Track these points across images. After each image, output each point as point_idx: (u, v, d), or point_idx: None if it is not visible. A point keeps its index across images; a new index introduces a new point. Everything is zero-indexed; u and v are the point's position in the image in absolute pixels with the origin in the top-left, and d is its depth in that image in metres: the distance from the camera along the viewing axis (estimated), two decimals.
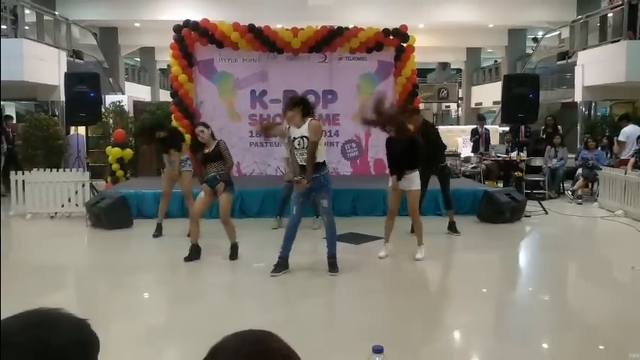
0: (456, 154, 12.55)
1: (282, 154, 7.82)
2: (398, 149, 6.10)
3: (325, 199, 5.57)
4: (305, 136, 5.39)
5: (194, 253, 6.19)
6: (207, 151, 6.11)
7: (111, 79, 18.51)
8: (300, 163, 5.51)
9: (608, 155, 11.44)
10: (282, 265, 5.63)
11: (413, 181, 6.18)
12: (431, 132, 7.42)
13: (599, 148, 11.38)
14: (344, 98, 10.20)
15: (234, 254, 6.25)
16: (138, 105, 14.19)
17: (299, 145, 5.43)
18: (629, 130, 10.81)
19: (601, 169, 10.16)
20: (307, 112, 5.47)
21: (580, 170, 10.95)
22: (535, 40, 20.92)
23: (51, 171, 9.08)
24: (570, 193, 10.83)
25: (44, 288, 5.28)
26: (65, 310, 1.03)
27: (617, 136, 11.05)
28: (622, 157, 10.61)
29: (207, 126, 6.23)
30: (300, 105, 5.47)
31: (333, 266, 5.69)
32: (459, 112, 27.27)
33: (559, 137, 11.72)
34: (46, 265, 6.29)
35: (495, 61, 26.59)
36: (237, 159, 10.06)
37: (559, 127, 12.43)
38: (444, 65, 31.17)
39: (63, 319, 1.01)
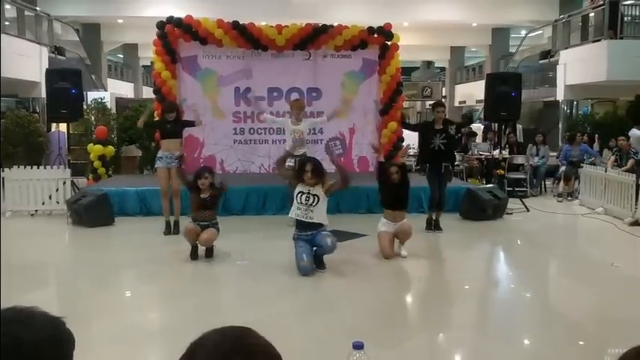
0: None
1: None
2: (399, 192, 6.36)
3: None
4: (316, 195, 5.60)
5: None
6: (202, 196, 6.11)
7: (93, 76, 18.35)
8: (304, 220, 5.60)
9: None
10: None
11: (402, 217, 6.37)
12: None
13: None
14: (328, 96, 10.17)
15: (209, 252, 6.19)
16: (120, 102, 14.08)
17: (306, 200, 5.59)
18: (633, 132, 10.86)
19: (596, 163, 10.11)
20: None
21: (564, 168, 11.03)
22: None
23: (31, 168, 8.97)
24: (558, 195, 10.82)
25: (24, 286, 5.20)
26: (39, 308, 1.02)
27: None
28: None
29: (212, 173, 6.23)
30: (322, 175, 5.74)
31: (322, 263, 5.73)
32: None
33: (541, 135, 11.82)
34: (26, 263, 6.19)
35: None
36: (220, 156, 10.08)
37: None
38: (428, 64, 31.32)
39: (37, 317, 1.01)
